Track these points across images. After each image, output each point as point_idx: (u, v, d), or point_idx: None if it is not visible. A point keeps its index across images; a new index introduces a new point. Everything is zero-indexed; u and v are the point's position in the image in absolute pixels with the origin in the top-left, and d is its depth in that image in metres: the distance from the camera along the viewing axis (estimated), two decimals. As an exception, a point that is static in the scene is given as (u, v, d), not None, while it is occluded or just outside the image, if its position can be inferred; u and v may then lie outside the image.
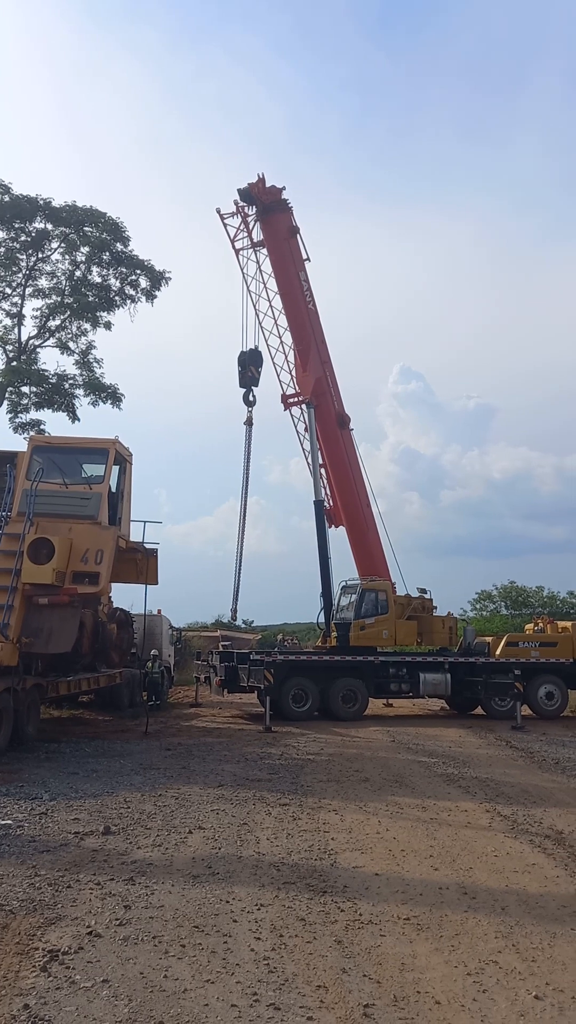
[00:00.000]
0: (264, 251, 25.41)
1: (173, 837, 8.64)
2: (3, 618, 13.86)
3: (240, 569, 25.07)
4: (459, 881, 7.39)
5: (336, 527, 26.03)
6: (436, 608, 24.96)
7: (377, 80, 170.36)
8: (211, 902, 6.58)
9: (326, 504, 26.27)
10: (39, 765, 12.92)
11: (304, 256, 25.58)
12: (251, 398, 25.08)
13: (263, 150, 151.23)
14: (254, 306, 25.40)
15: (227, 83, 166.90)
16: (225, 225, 25.42)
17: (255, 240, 25.31)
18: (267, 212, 24.95)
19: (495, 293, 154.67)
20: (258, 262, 25.44)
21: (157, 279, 27.08)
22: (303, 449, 26.49)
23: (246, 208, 25.15)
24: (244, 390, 25.05)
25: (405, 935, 6.01)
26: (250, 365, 24.82)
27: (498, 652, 23.35)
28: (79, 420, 26.90)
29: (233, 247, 25.40)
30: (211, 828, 9.08)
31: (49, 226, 25.98)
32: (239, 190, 24.82)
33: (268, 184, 24.99)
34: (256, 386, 25.07)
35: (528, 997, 5.01)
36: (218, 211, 25.36)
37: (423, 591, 24.77)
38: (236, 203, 25.10)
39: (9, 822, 8.96)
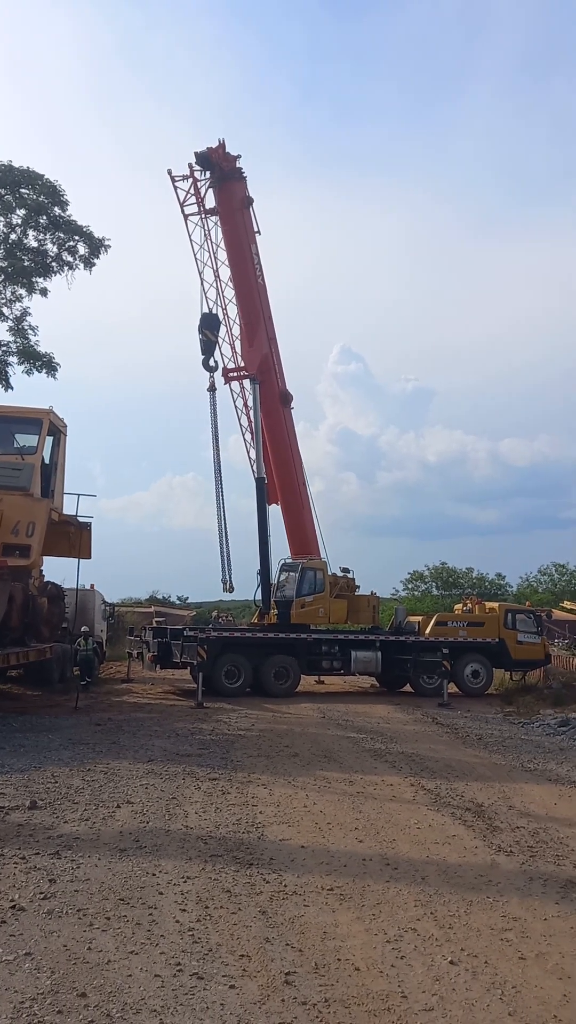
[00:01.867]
0: (215, 219, 24.98)
1: (101, 811, 8.62)
2: None
3: (226, 539, 24.51)
4: (382, 852, 7.59)
5: (271, 505, 26.06)
6: (359, 587, 25.38)
7: (331, 38, 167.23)
8: (137, 875, 6.61)
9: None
10: (-36, 740, 12.70)
11: (255, 229, 25.31)
12: (212, 363, 24.70)
13: (218, 112, 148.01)
14: (199, 275, 25.03)
15: (179, 39, 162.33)
16: (175, 188, 24.70)
17: (207, 208, 24.83)
18: (223, 179, 24.46)
19: (435, 278, 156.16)
20: (205, 229, 24.96)
21: (96, 246, 26.40)
22: (240, 425, 26.36)
23: (199, 173, 24.60)
24: (204, 356, 24.66)
25: (328, 905, 6.15)
26: (205, 329, 24.41)
27: (427, 631, 23.91)
28: (12, 389, 26.23)
29: (182, 211, 24.82)
30: (140, 802, 9.09)
31: (-17, 186, 25.06)
32: (196, 153, 24.16)
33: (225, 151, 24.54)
34: (212, 353, 24.64)
35: (444, 963, 5.20)
36: (169, 172, 24.67)
37: (346, 570, 25.14)
38: (191, 166, 24.47)
39: None
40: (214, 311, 24.86)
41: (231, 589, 25.01)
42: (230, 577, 24.48)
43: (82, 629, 21.57)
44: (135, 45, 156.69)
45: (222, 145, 24.47)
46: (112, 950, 5.14)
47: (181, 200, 24.75)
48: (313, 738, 14.53)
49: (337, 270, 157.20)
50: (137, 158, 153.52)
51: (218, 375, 24.83)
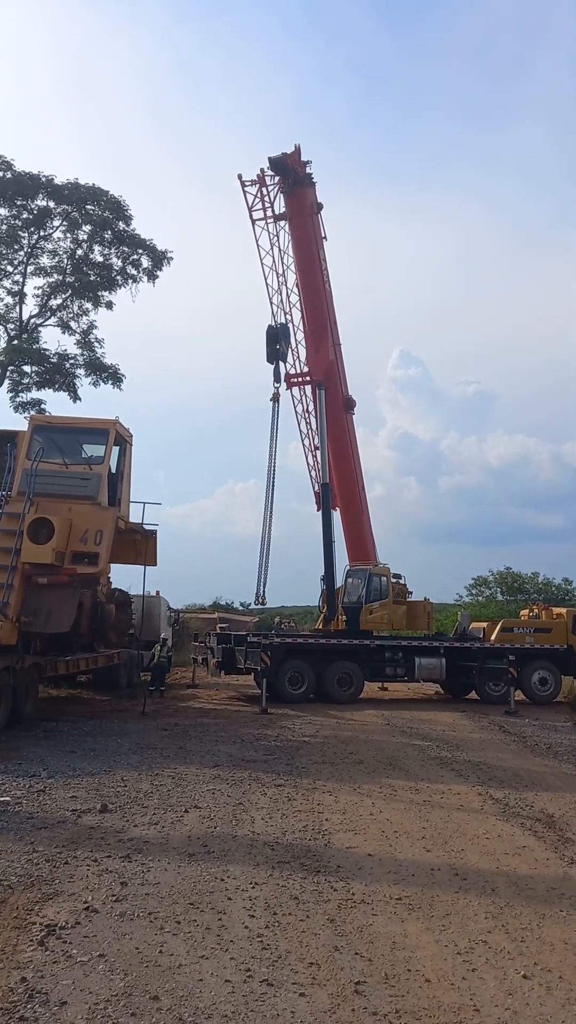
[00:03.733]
0: (283, 225, 25.26)
1: (169, 816, 8.75)
2: (3, 597, 13.92)
3: (267, 552, 24.63)
4: (450, 862, 7.51)
5: (331, 510, 26.07)
6: (411, 593, 25.16)
7: (383, 62, 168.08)
8: (206, 880, 6.68)
9: (316, 486, 26.31)
10: (37, 743, 13.03)
11: (323, 234, 25.53)
12: (279, 373, 24.85)
13: (268, 129, 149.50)
14: (265, 280, 25.31)
15: (232, 59, 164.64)
16: (244, 193, 25.10)
17: (276, 213, 25.15)
18: (297, 184, 24.72)
19: (498, 279, 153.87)
20: (271, 235, 25.30)
21: (159, 259, 26.95)
22: (300, 431, 26.48)
23: (268, 179, 24.94)
24: (272, 365, 24.81)
25: (396, 915, 6.11)
26: (273, 340, 24.58)
27: (493, 637, 23.53)
28: (80, 400, 26.91)
29: (251, 216, 25.20)
30: (207, 807, 9.19)
31: (51, 204, 25.82)
32: (271, 159, 24.44)
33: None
34: (284, 361, 24.82)
35: (516, 976, 5.11)
36: (239, 177, 25.09)
37: (397, 576, 24.95)
38: (261, 171, 24.83)
39: (7, 799, 9.06)
40: (278, 316, 25.09)
41: (263, 602, 25.13)
42: (264, 590, 24.57)
43: (161, 636, 21.96)
44: (189, 65, 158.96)
45: (297, 150, 24.76)
46: (183, 954, 5.21)
47: (250, 205, 25.11)
48: (378, 745, 14.45)
49: (394, 275, 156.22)
50: (189, 171, 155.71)
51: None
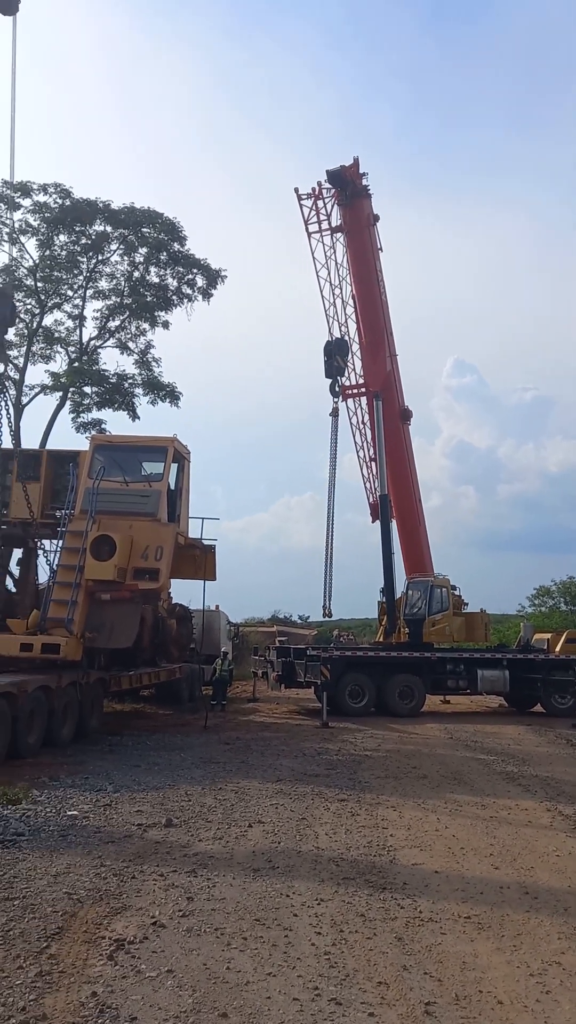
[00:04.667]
0: (339, 237, 25.57)
1: (233, 831, 8.77)
2: (68, 613, 14.22)
3: (331, 565, 24.71)
4: (520, 880, 7.34)
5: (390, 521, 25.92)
6: (467, 604, 24.81)
7: (428, 69, 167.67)
8: (271, 896, 6.67)
9: (372, 498, 26.25)
10: (103, 757, 13.23)
11: (379, 246, 25.70)
12: (337, 388, 24.95)
13: (314, 139, 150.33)
14: (320, 292, 25.56)
15: (277, 72, 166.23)
16: (301, 206, 25.64)
17: (333, 225, 25.51)
18: (355, 196, 25.03)
19: (546, 284, 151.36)
20: (326, 248, 25.68)
21: (213, 277, 27.32)
22: (355, 443, 26.48)
23: (325, 191, 25.29)
24: (331, 380, 24.93)
25: (466, 934, 6.00)
26: (337, 355, 24.71)
27: (558, 649, 23.02)
28: (139, 418, 27.37)
29: (307, 229, 25.69)
30: (270, 822, 9.19)
31: (108, 228, 26.44)
32: (328, 171, 24.88)
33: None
34: (342, 375, 24.94)
35: (592, 1000, 4.96)
36: (296, 191, 25.64)
37: (453, 587, 24.64)
38: (319, 184, 25.28)
39: (75, 813, 9.22)
40: (334, 329, 25.27)
41: (329, 614, 25.14)
42: (329, 603, 24.60)
43: (222, 651, 22.11)
44: (235, 79, 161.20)
45: (356, 163, 25.08)
46: (250, 971, 5.21)
47: (305, 217, 25.57)
48: (441, 759, 14.25)
49: (442, 282, 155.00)
50: (238, 184, 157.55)
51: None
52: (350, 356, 25.58)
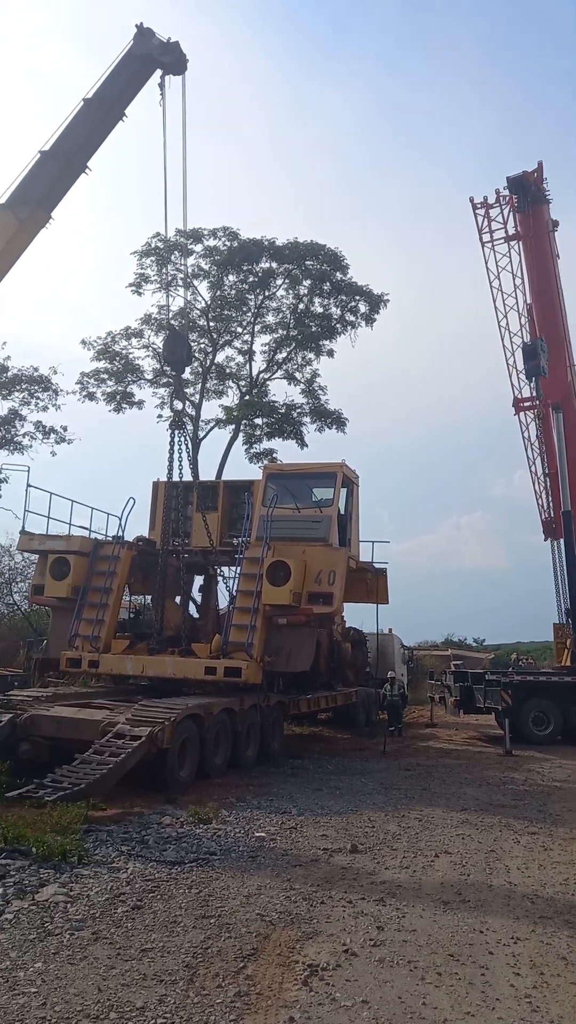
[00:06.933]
0: (514, 245, 25.39)
1: (420, 860, 8.62)
2: (248, 638, 14.67)
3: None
4: None
5: (559, 539, 24.76)
6: None
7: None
8: (464, 931, 6.48)
9: (544, 515, 25.19)
10: (285, 780, 13.46)
11: (556, 253, 25.23)
12: (539, 389, 24.45)
13: (478, 156, 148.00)
14: (494, 302, 25.31)
15: (439, 94, 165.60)
16: (475, 214, 25.85)
17: (509, 233, 25.39)
18: (534, 202, 24.86)
19: None
20: (497, 256, 25.59)
21: (376, 303, 27.54)
22: (528, 458, 25.61)
23: (502, 199, 25.32)
24: (531, 381, 24.52)
25: None
26: (539, 353, 24.13)
27: None
28: (307, 446, 27.94)
29: (480, 239, 25.78)
30: (457, 853, 8.95)
31: (274, 264, 27.39)
32: (509, 178, 24.95)
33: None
34: (544, 375, 24.37)
35: None
36: (471, 200, 25.89)
37: None
38: (497, 193, 25.42)
39: (263, 834, 9.43)
40: (504, 339, 24.84)
41: None
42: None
43: (388, 675, 21.96)
44: (397, 106, 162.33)
45: (540, 168, 24.93)
46: (447, 1008, 5.08)
47: (479, 226, 25.61)
48: None
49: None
50: (398, 205, 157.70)
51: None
52: (517, 366, 24.96)
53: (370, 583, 19.22)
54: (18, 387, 27.19)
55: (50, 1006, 4.89)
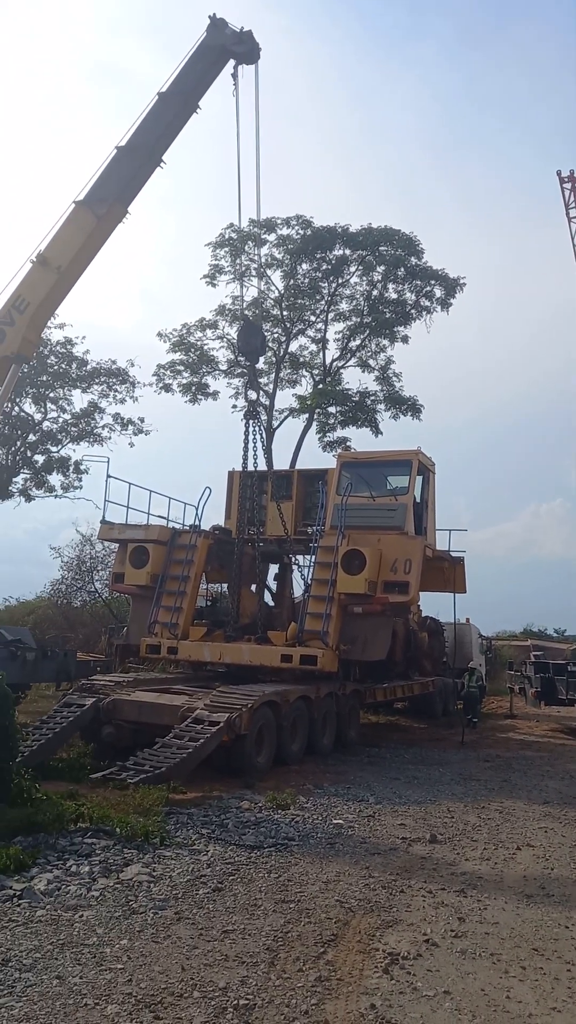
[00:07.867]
0: None
1: (501, 852, 8.49)
2: (323, 626, 14.67)
3: None
4: None
5: None
6: None
7: None
8: (548, 925, 6.35)
9: None
10: (362, 768, 13.44)
11: None
12: None
13: (561, 132, 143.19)
14: None
15: (508, 79, 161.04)
16: (563, 189, 26.29)
17: None
18: None
19: None
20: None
21: (452, 287, 27.01)
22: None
23: None
24: None
25: None
26: None
27: None
28: (382, 434, 27.67)
29: (567, 214, 25.73)
30: (540, 847, 8.77)
31: (347, 251, 27.15)
32: None
33: None
34: None
35: None
36: (558, 173, 26.07)
37: None
38: None
39: (340, 822, 9.44)
40: None
41: None
42: None
43: (469, 666, 21.65)
44: (480, 84, 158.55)
45: None
46: (532, 1003, 4.98)
47: (567, 201, 25.48)
48: None
49: None
50: (481, 190, 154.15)
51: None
52: None
53: (447, 572, 18.93)
54: (97, 380, 27.78)
55: (136, 983, 5.01)
